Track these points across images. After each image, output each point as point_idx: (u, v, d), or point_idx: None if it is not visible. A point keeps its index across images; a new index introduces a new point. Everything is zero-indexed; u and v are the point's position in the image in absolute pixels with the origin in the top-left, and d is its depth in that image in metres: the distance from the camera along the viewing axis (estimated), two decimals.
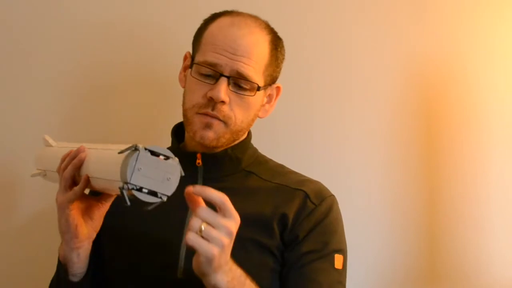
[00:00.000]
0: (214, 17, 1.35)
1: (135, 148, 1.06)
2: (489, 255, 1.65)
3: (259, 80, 1.31)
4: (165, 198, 1.08)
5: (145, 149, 1.06)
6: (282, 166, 1.41)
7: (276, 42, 1.35)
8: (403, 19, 1.68)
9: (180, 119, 1.36)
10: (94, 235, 1.23)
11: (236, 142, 1.35)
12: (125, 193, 1.05)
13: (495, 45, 1.68)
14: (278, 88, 1.39)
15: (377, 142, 1.67)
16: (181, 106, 1.34)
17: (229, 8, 1.36)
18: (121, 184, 1.05)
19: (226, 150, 1.33)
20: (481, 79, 1.67)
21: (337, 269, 1.28)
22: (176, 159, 1.09)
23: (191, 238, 1.08)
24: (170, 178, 1.08)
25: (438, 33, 1.68)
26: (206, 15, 1.36)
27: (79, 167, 1.18)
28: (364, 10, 1.68)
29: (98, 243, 1.32)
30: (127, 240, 1.31)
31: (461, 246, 1.65)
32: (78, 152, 1.19)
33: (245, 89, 1.30)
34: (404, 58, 1.68)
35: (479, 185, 1.66)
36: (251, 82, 1.29)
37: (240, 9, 1.36)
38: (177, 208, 1.20)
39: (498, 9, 1.68)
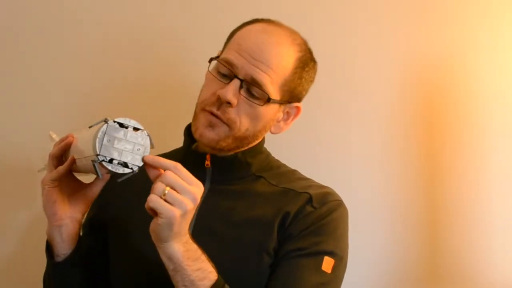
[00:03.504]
0: (253, 21, 1.32)
1: (105, 121, 1.09)
2: (489, 254, 1.66)
3: (274, 92, 1.27)
4: (136, 169, 1.11)
5: (114, 121, 1.10)
6: (293, 172, 1.38)
7: (306, 62, 1.30)
8: (403, 19, 1.68)
9: (188, 120, 1.34)
10: (78, 217, 1.24)
11: (247, 147, 1.32)
12: (96, 165, 1.09)
13: (495, 45, 1.68)
14: (297, 108, 1.34)
15: (376, 142, 1.67)
16: (190, 107, 1.33)
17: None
18: (93, 157, 1.08)
19: (236, 154, 1.31)
20: (481, 78, 1.68)
21: (323, 271, 1.24)
22: (146, 130, 1.12)
23: (153, 199, 1.09)
24: (140, 149, 1.11)
25: (438, 33, 1.68)
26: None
27: (64, 149, 1.21)
28: (364, 10, 1.68)
29: (101, 243, 1.33)
30: (126, 240, 1.31)
31: (461, 245, 1.66)
32: (66, 137, 1.22)
33: (255, 97, 1.26)
34: (404, 58, 1.68)
35: (479, 184, 1.67)
36: (263, 91, 1.25)
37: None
38: None
39: (498, 9, 1.68)
